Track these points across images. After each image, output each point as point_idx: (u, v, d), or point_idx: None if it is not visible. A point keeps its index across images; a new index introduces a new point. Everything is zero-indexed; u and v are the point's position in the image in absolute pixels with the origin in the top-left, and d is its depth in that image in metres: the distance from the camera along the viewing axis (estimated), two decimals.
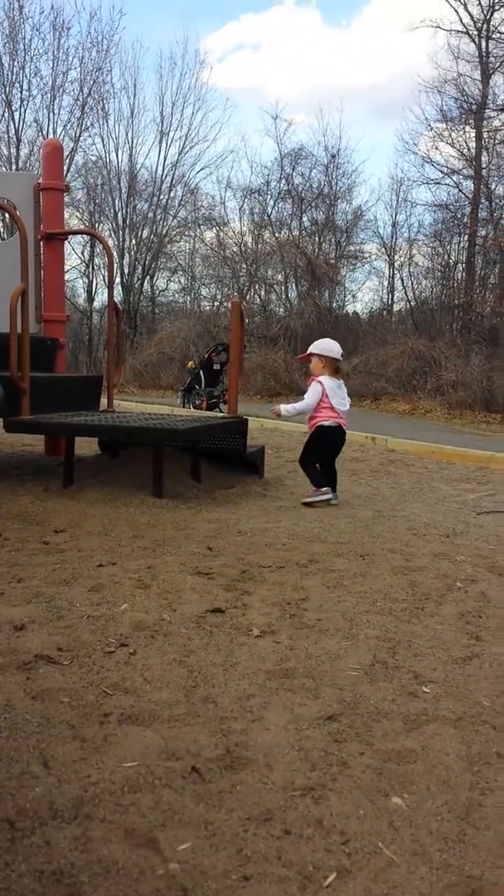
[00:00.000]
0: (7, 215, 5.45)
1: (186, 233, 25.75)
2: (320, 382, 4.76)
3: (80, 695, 1.93)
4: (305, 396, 4.81)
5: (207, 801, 1.50)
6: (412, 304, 21.37)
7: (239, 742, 1.72)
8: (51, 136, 22.88)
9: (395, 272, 22.33)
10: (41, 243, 5.77)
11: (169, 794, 1.51)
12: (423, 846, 1.40)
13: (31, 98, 23.53)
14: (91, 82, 23.67)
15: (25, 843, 1.35)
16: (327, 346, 4.85)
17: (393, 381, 16.17)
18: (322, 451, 4.81)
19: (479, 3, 18.38)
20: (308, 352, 4.91)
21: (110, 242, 22.54)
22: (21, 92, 23.25)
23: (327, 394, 4.73)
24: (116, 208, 25.11)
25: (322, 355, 4.81)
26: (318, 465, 4.81)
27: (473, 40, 19.01)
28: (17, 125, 23.50)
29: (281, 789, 1.55)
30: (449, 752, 1.73)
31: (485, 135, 18.72)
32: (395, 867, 1.34)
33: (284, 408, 4.89)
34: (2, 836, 1.36)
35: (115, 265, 21.06)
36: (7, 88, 23.08)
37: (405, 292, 21.83)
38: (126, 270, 24.85)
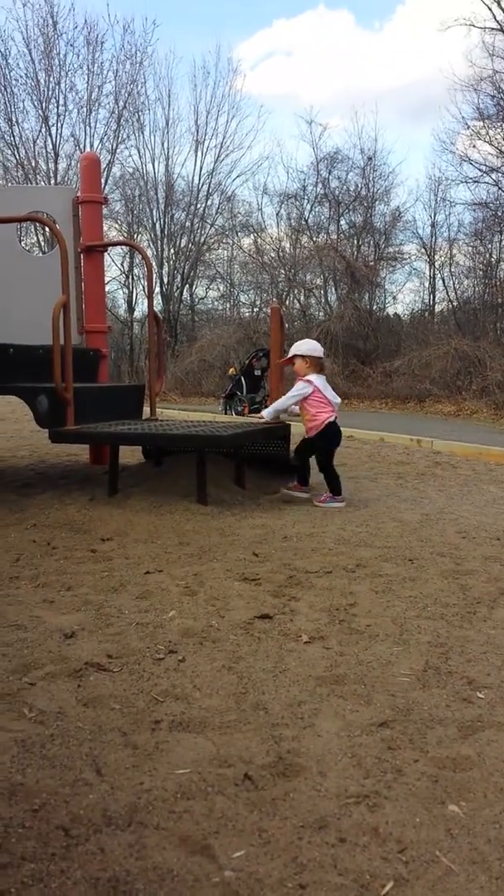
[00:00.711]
0: (48, 229, 5.53)
1: (224, 240, 25.90)
2: (309, 380, 4.80)
3: (130, 702, 1.94)
4: (288, 393, 4.88)
5: (261, 809, 1.48)
6: (454, 304, 21.11)
7: (291, 749, 1.71)
8: (87, 149, 23.23)
9: (436, 272, 22.11)
10: (81, 256, 5.85)
11: (222, 802, 1.50)
12: (481, 854, 1.36)
13: (67, 113, 23.96)
14: (126, 95, 24.00)
15: (80, 851, 1.35)
16: (311, 346, 4.94)
17: (437, 382, 15.98)
18: (330, 447, 4.84)
19: None
20: (290, 354, 4.97)
21: (149, 253, 22.80)
22: (57, 107, 23.68)
23: (320, 389, 4.77)
24: (154, 218, 25.36)
25: (306, 356, 4.88)
26: (331, 463, 4.85)
27: None
28: (54, 140, 23.93)
29: (335, 797, 1.53)
30: None
31: None
32: (453, 876, 1.31)
33: (266, 412, 5.03)
34: (57, 844, 1.37)
35: (155, 275, 21.29)
36: (44, 104, 23.51)
37: (447, 292, 21.59)
38: (165, 280, 25.07)
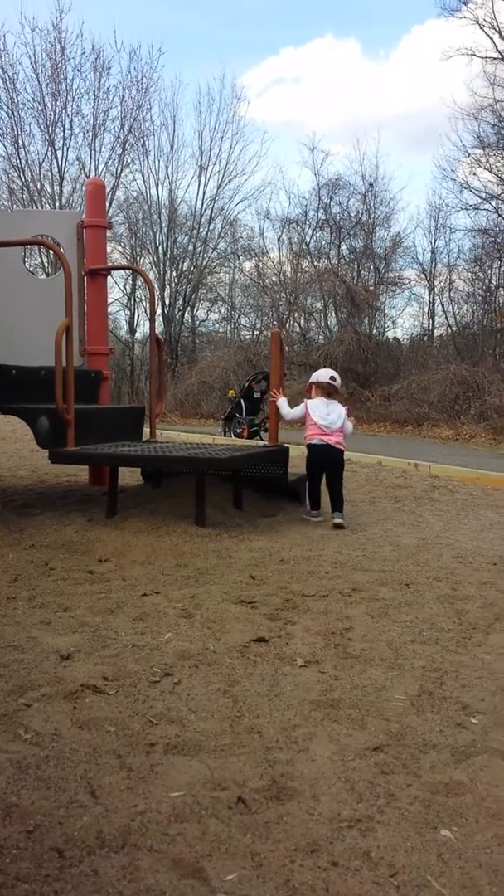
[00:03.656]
0: (52, 252, 5.60)
1: (226, 264, 26.09)
2: (304, 403, 5.13)
3: (126, 724, 1.95)
4: (285, 412, 5.22)
5: (254, 832, 1.49)
6: (453, 329, 21.23)
7: (285, 773, 1.72)
8: (92, 173, 23.46)
9: (436, 297, 22.27)
10: (85, 279, 5.91)
11: (215, 825, 1.51)
12: (472, 879, 1.37)
13: (73, 137, 24.17)
14: (131, 120, 24.25)
15: (74, 872, 1.36)
16: (317, 373, 5.30)
17: (435, 406, 16.03)
18: (312, 468, 5.02)
19: None
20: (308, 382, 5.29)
21: (151, 275, 22.97)
22: (63, 131, 23.92)
23: (310, 411, 5.02)
24: (157, 242, 25.56)
25: (312, 381, 5.23)
26: (315, 484, 5.01)
27: None
28: (60, 163, 24.15)
29: (328, 821, 1.54)
30: (498, 785, 1.70)
31: None
32: None
33: (281, 400, 5.31)
34: (51, 865, 1.38)
35: (157, 298, 21.43)
36: (50, 128, 23.76)
37: (446, 317, 21.73)
38: (167, 302, 25.21)
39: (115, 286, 25.53)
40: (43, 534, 4.20)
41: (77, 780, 1.67)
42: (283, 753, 1.81)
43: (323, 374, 5.26)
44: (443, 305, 21.89)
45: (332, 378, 5.22)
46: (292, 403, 5.35)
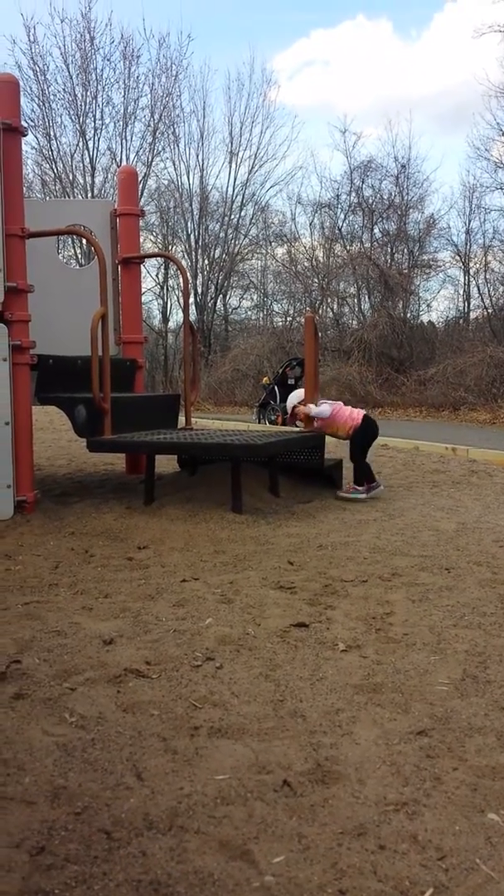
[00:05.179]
0: (86, 242, 5.62)
1: (258, 250, 25.99)
2: (325, 406, 5.26)
3: (169, 708, 1.96)
4: (322, 411, 5.26)
5: (300, 815, 1.49)
6: (489, 311, 20.91)
7: (329, 756, 1.71)
8: (123, 162, 23.53)
9: (471, 279, 21.97)
10: (119, 268, 5.93)
11: (261, 807, 1.52)
12: None
13: (104, 127, 24.28)
14: (161, 108, 24.29)
15: (122, 854, 1.37)
16: (299, 395, 5.49)
17: (472, 390, 15.82)
18: (369, 442, 5.35)
19: None
20: (293, 410, 5.50)
21: (184, 264, 22.97)
22: (94, 121, 24.05)
23: (332, 403, 5.33)
24: (189, 230, 25.58)
25: (296, 405, 5.44)
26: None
27: None
28: (91, 154, 24.28)
29: (374, 804, 1.53)
30: None
31: None
32: (493, 884, 1.30)
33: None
34: (99, 847, 1.39)
35: (190, 286, 21.47)
36: (81, 119, 23.89)
37: (481, 299, 21.42)
38: (199, 290, 25.23)
39: (148, 275, 25.62)
40: (82, 521, 4.25)
41: (123, 763, 1.68)
42: (326, 737, 1.81)
43: (299, 394, 5.51)
44: (478, 287, 21.60)
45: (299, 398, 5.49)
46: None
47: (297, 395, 5.56)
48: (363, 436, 5.25)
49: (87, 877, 1.31)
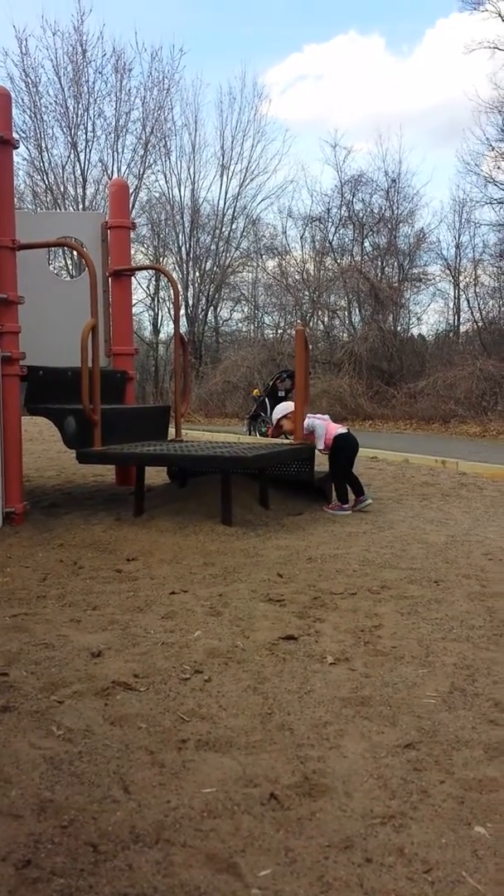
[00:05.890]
0: (77, 254, 5.64)
1: (249, 263, 26.07)
2: (310, 421, 5.29)
3: (157, 721, 1.96)
4: (316, 432, 5.31)
5: (287, 828, 1.49)
6: (479, 324, 21.03)
7: (316, 769, 1.71)
8: (115, 174, 23.59)
9: (461, 293, 22.10)
10: (109, 280, 5.94)
11: (248, 821, 1.51)
12: None
13: (95, 139, 24.31)
14: (153, 121, 24.35)
15: (108, 867, 1.37)
16: (284, 408, 5.58)
17: (462, 403, 15.88)
18: (352, 456, 5.36)
19: None
20: (278, 422, 5.57)
21: (175, 276, 23.03)
22: (86, 133, 24.08)
23: (318, 418, 5.37)
24: (180, 242, 25.63)
25: (286, 415, 5.48)
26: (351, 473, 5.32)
27: None
28: (82, 166, 24.31)
29: (360, 817, 1.53)
30: None
31: None
32: None
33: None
34: (86, 859, 1.39)
35: (181, 298, 21.46)
36: (72, 130, 23.92)
37: (471, 313, 21.55)
38: (190, 302, 25.27)
39: (139, 287, 25.67)
40: (71, 533, 4.24)
41: (110, 776, 1.68)
42: (314, 750, 1.81)
43: (287, 406, 5.57)
44: (468, 301, 21.72)
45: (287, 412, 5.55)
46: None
47: (282, 408, 5.60)
48: (336, 456, 5.26)
49: (73, 890, 1.31)
